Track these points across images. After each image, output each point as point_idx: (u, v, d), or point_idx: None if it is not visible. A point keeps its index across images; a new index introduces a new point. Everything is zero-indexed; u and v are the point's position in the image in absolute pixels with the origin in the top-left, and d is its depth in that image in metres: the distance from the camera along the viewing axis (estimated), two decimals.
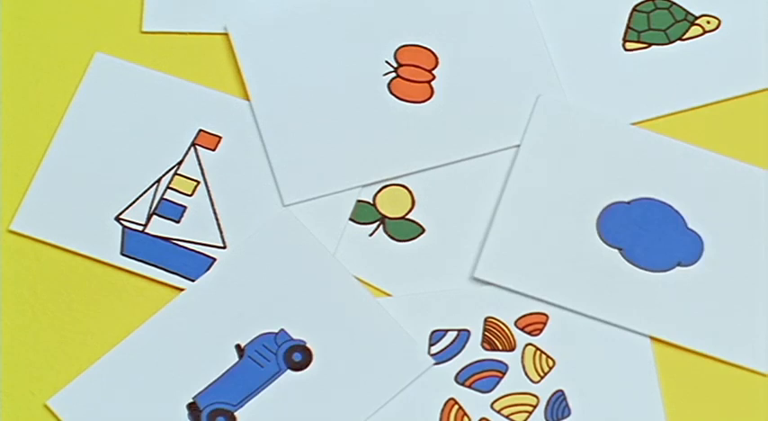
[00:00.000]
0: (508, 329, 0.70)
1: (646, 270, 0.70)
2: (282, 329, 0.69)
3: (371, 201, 0.73)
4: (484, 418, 0.68)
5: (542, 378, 0.69)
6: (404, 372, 0.68)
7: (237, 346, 0.69)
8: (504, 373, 0.69)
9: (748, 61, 0.75)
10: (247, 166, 0.73)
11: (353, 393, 0.68)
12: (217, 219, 0.72)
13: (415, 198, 0.73)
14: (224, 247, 0.71)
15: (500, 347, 0.70)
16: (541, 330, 0.70)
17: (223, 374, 0.68)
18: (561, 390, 0.69)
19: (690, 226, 0.72)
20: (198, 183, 0.72)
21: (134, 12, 0.76)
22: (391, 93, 0.74)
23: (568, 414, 0.68)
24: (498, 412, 0.68)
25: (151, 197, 0.72)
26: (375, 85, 0.74)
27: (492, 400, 0.69)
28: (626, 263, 0.71)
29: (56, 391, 0.68)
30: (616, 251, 0.71)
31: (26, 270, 0.71)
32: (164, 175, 0.72)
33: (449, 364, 0.69)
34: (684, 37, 0.76)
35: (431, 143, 0.73)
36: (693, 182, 0.72)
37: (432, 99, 0.74)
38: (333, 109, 0.74)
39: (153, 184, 0.72)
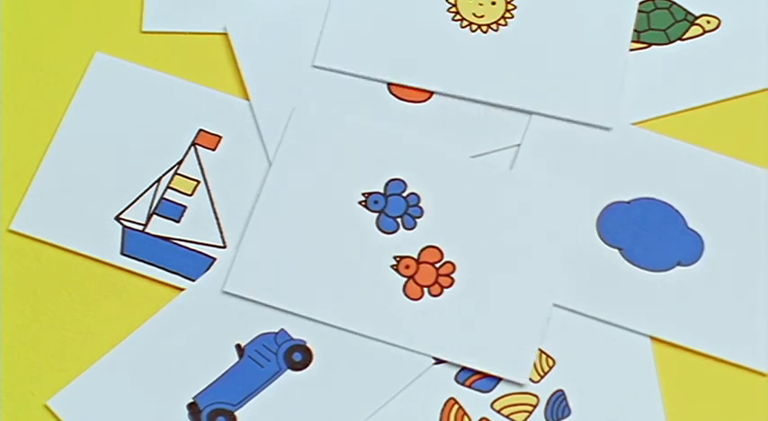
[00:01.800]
0: None
1: (646, 270, 0.70)
2: (282, 329, 0.69)
3: None
4: (484, 418, 0.68)
5: (542, 377, 0.69)
6: (404, 372, 0.68)
7: (237, 346, 0.69)
8: None
9: (748, 61, 0.75)
10: (247, 166, 0.72)
11: (353, 393, 0.68)
12: (217, 219, 0.72)
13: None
14: (224, 247, 0.71)
15: None
16: None
17: (223, 374, 0.68)
18: (561, 390, 0.69)
19: (690, 226, 0.72)
20: (198, 182, 0.72)
21: (134, 12, 0.76)
22: (391, 93, 0.74)
23: (568, 414, 0.68)
24: (498, 412, 0.68)
25: (151, 197, 0.72)
26: (375, 85, 0.74)
27: (492, 400, 0.69)
28: (626, 263, 0.71)
29: (56, 391, 0.68)
30: (616, 251, 0.71)
31: (26, 270, 0.71)
32: (164, 175, 0.72)
33: (449, 364, 0.69)
34: (684, 37, 0.76)
35: (431, 143, 0.73)
36: (693, 182, 0.72)
37: (432, 99, 0.74)
38: (332, 108, 0.74)
39: (153, 184, 0.72)
